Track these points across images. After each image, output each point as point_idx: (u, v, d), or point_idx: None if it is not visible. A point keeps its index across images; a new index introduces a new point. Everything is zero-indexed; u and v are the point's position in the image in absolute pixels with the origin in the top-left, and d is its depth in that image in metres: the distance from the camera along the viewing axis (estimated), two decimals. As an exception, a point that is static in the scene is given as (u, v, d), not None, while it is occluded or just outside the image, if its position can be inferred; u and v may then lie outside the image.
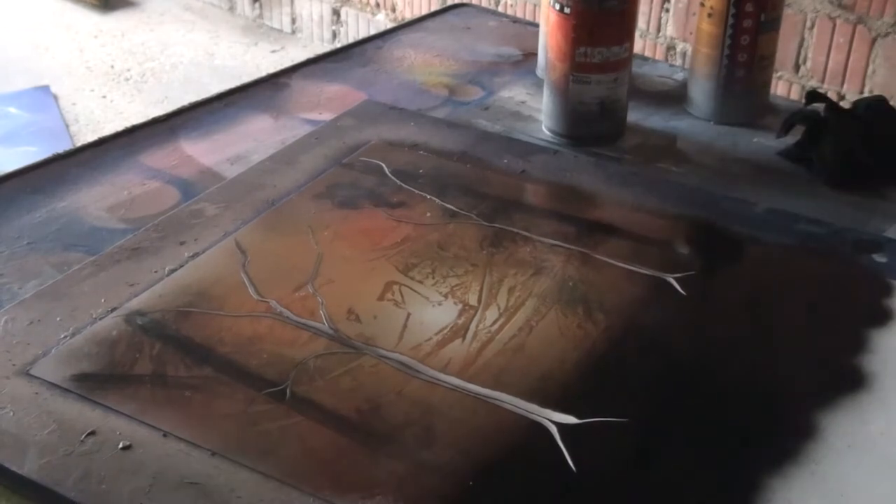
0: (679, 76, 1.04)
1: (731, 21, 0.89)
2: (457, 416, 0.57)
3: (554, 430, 0.56)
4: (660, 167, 0.87)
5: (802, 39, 1.97)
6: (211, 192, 0.80)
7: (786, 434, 0.57)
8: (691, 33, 1.48)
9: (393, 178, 0.81)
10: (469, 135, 0.89)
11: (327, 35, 2.90)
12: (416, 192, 0.79)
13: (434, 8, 1.97)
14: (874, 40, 1.89)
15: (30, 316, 0.65)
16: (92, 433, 0.56)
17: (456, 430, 0.57)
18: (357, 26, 2.83)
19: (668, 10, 2.14)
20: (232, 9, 3.13)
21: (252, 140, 0.90)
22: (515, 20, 1.22)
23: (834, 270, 0.72)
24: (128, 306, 0.66)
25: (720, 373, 0.62)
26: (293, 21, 2.98)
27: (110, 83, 2.71)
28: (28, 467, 0.54)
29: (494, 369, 0.61)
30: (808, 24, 1.95)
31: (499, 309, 0.66)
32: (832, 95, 1.91)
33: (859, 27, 1.90)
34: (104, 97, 2.64)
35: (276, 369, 0.61)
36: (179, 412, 0.57)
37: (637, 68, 1.01)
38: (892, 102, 0.89)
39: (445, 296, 0.67)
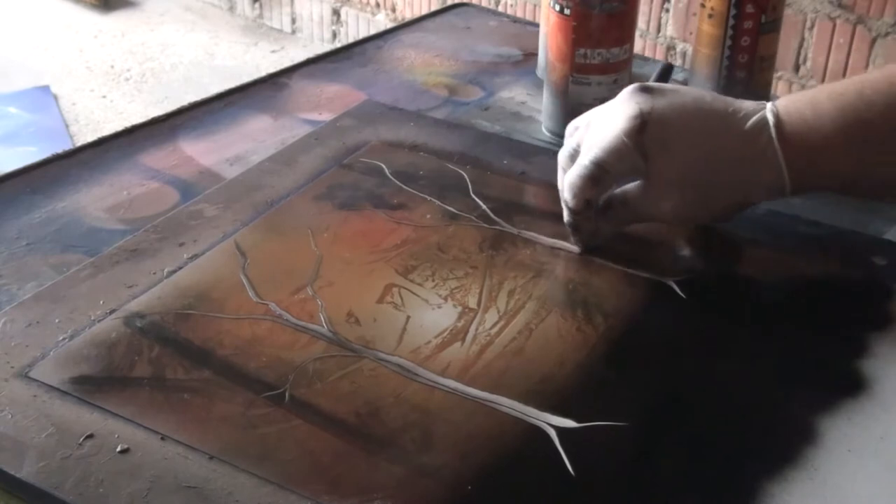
0: (679, 76, 1.04)
1: (731, 22, 0.89)
2: (456, 420, 0.57)
3: (553, 433, 0.56)
4: (660, 169, 0.86)
5: (802, 39, 1.97)
6: (210, 192, 0.79)
7: (785, 438, 0.57)
8: (691, 33, 1.47)
9: (393, 179, 0.81)
10: (469, 135, 0.89)
11: (327, 35, 2.90)
12: (417, 193, 0.79)
13: (434, 8, 1.97)
14: (874, 40, 1.89)
15: (28, 318, 0.65)
16: (90, 436, 0.56)
17: (455, 433, 0.56)
18: (357, 26, 2.83)
19: (668, 11, 2.14)
20: (232, 9, 3.13)
21: (252, 140, 0.90)
22: (515, 20, 1.22)
23: (833, 273, 0.72)
24: (127, 308, 0.66)
25: (719, 376, 0.62)
26: (293, 21, 2.98)
27: (110, 83, 2.71)
28: (26, 470, 0.54)
29: (494, 373, 0.61)
30: (808, 24, 1.95)
31: (498, 312, 0.66)
32: (833, 96, 1.91)
33: (859, 27, 1.90)
34: (104, 97, 2.64)
35: (275, 372, 0.60)
36: (178, 415, 0.57)
37: (637, 69, 1.00)
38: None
39: (445, 298, 0.67)
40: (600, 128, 0.69)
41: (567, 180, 0.70)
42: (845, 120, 0.67)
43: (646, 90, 0.68)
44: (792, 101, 0.68)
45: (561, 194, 0.72)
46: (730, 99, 0.69)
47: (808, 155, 0.67)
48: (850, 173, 0.68)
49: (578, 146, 0.70)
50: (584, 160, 0.68)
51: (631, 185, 0.70)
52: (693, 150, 0.67)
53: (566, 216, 0.71)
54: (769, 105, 0.68)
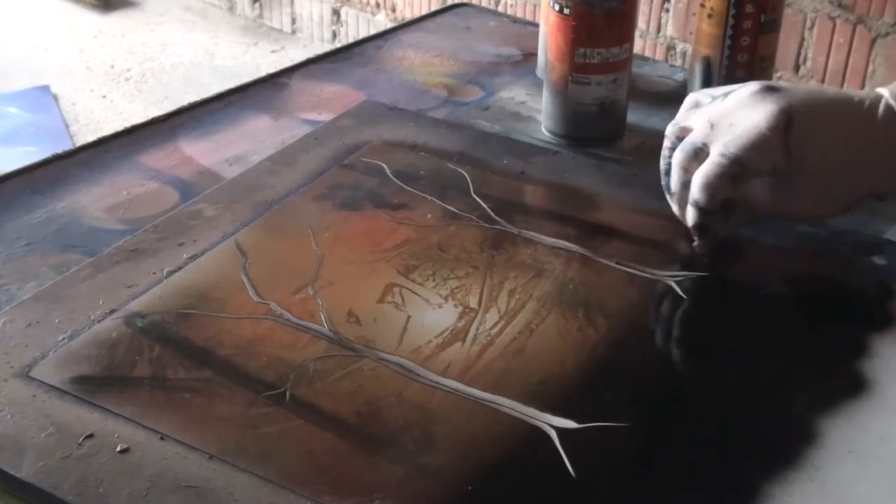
0: (679, 76, 1.04)
1: (731, 22, 0.89)
2: (456, 420, 0.57)
3: (553, 434, 0.56)
4: (660, 168, 0.87)
5: (802, 39, 1.97)
6: (210, 192, 0.79)
7: (785, 438, 0.57)
8: (691, 33, 1.47)
9: (394, 179, 0.81)
10: (469, 135, 0.89)
11: (327, 35, 2.90)
12: (417, 193, 0.79)
13: (434, 8, 1.97)
14: (874, 40, 1.89)
15: (28, 318, 0.65)
16: (90, 436, 0.56)
17: (455, 434, 0.56)
18: (357, 26, 2.83)
19: (668, 10, 2.14)
20: (232, 9, 3.12)
21: (252, 140, 0.90)
22: (515, 20, 1.22)
23: (833, 273, 0.72)
24: (127, 308, 0.66)
25: (720, 377, 0.62)
26: (293, 21, 2.98)
27: (110, 83, 2.71)
28: (26, 470, 0.53)
29: (494, 373, 0.61)
30: (808, 24, 1.95)
31: (499, 312, 0.66)
32: (832, 96, 1.91)
33: (859, 27, 1.90)
34: (104, 97, 2.64)
35: (275, 372, 0.60)
36: (178, 415, 0.57)
37: (637, 68, 1.00)
38: (892, 104, 0.89)
39: (446, 298, 0.67)
40: (737, 125, 0.66)
41: (700, 178, 0.67)
42: None
43: (771, 89, 0.67)
44: None
45: (673, 197, 0.70)
46: (844, 90, 0.70)
47: None
48: None
49: (704, 144, 0.68)
50: (721, 158, 0.66)
51: (758, 184, 0.68)
52: (836, 145, 0.67)
53: (694, 217, 0.69)
54: (883, 91, 0.68)
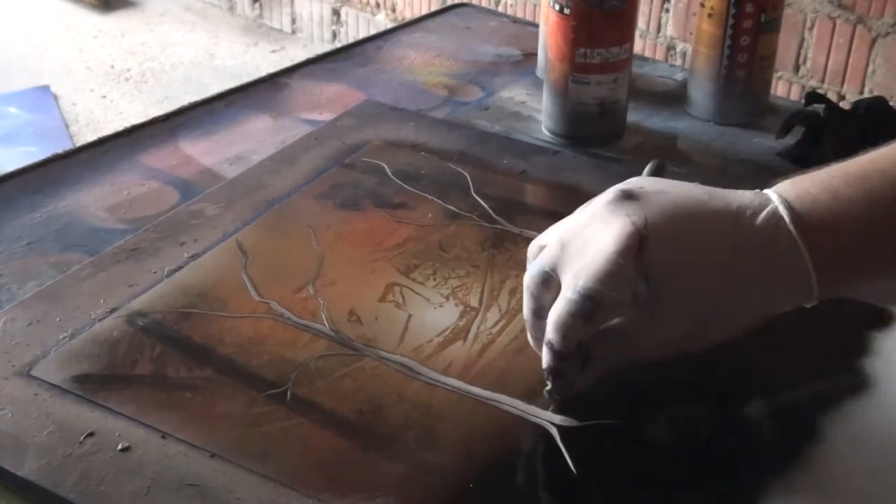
0: (679, 76, 1.04)
1: (731, 21, 0.89)
2: (458, 418, 0.57)
3: (555, 431, 0.56)
4: (660, 168, 0.87)
5: (802, 39, 1.97)
6: (211, 192, 0.79)
7: (787, 436, 0.57)
8: (691, 33, 1.47)
9: (395, 178, 0.81)
10: (469, 135, 0.89)
11: (327, 35, 2.90)
12: (418, 192, 0.79)
13: (434, 8, 1.97)
14: (874, 40, 1.89)
15: (29, 316, 0.65)
16: (91, 434, 0.56)
17: (457, 432, 0.56)
18: (357, 26, 2.83)
19: (668, 10, 2.14)
20: (232, 9, 3.12)
21: (252, 140, 0.90)
22: (515, 20, 1.22)
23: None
24: (128, 307, 0.66)
25: (721, 374, 0.62)
26: (293, 21, 2.98)
27: (110, 83, 2.71)
28: (27, 468, 0.54)
29: (495, 371, 0.61)
30: (808, 24, 1.95)
31: (500, 310, 0.66)
32: (832, 95, 1.92)
33: (859, 27, 1.90)
34: (104, 97, 2.64)
35: (276, 370, 0.61)
36: (179, 413, 0.57)
37: (637, 68, 1.01)
38: (892, 102, 0.89)
39: (447, 297, 0.67)
40: (584, 249, 0.55)
41: (553, 319, 0.55)
42: (872, 206, 0.55)
43: (629, 197, 0.56)
44: (801, 188, 0.56)
45: (531, 332, 0.59)
46: (725, 192, 0.57)
47: (838, 252, 0.55)
48: (888, 269, 0.57)
49: (552, 270, 0.56)
50: (572, 293, 0.54)
51: (619, 319, 0.56)
52: (705, 265, 0.55)
53: (547, 360, 0.56)
54: (773, 195, 0.55)
